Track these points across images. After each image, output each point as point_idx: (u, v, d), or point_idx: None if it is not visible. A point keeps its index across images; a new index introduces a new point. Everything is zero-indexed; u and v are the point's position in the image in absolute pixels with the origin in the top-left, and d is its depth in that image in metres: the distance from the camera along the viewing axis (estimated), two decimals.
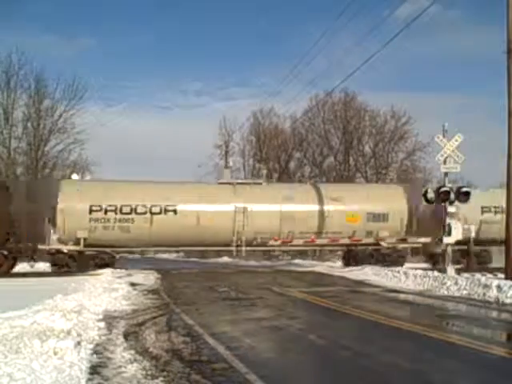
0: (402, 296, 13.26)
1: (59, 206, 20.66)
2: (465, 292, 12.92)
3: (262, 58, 71.02)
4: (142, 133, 57.71)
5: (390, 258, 22.16)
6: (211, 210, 21.79)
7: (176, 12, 73.30)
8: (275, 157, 44.24)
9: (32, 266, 22.40)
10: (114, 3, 71.68)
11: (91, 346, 6.71)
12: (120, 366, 5.92)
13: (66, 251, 20.77)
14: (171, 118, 70.09)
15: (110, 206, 21.13)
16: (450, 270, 15.89)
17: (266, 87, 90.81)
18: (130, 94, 74.68)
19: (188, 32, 73.37)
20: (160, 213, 21.40)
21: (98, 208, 21.06)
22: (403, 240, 23.03)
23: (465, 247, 21.63)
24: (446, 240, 16.54)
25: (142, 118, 66.37)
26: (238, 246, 22.02)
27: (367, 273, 18.68)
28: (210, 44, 73.51)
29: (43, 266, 22.16)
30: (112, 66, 71.61)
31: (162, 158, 52.45)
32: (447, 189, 16.45)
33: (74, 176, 24.98)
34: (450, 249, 16.66)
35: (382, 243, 22.30)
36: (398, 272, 16.77)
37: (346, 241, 22.63)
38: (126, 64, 72.97)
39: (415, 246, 23.66)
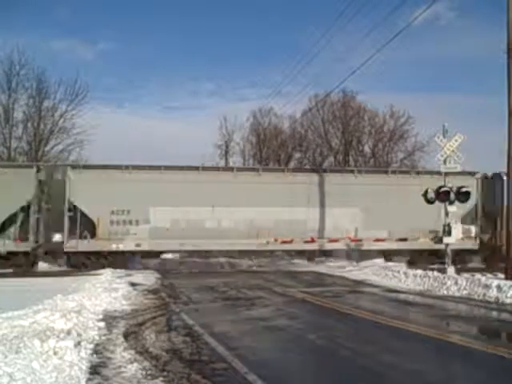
0: (402, 296, 13.26)
1: None
2: (465, 292, 12.93)
3: (273, 58, 70.78)
4: (148, 133, 57.68)
5: None
6: None
7: (184, 14, 73.07)
8: (275, 157, 44.24)
9: None
10: (126, 5, 71.42)
11: (91, 346, 6.72)
12: (120, 366, 5.93)
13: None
14: (179, 118, 70.00)
15: None
16: (450, 270, 15.88)
17: (276, 87, 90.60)
18: (142, 95, 74.41)
19: (196, 33, 73.16)
20: None
21: None
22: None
23: None
24: (446, 240, 16.52)
25: (152, 118, 66.22)
26: None
27: (367, 273, 18.67)
28: (222, 45, 73.19)
29: (42, 265, 22.10)
30: (124, 67, 71.41)
31: (163, 157, 52.26)
32: (447, 189, 16.44)
33: None
34: (449, 249, 16.65)
35: None
36: (398, 272, 16.76)
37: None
38: (138, 65, 72.81)
39: None
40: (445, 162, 16.51)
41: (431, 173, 23.30)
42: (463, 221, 22.37)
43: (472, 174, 23.81)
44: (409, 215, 21.36)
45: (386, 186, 22.52)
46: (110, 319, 9.04)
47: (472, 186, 22.31)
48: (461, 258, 21.77)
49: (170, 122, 65.19)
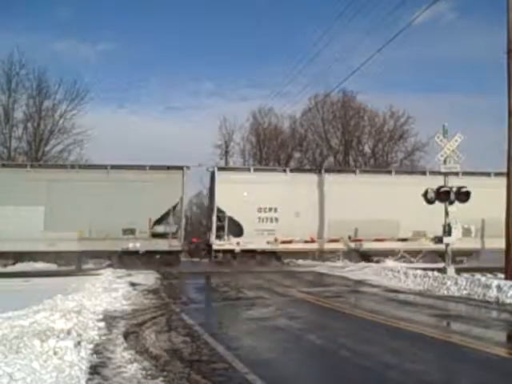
0: (402, 296, 13.25)
1: None
2: (465, 292, 12.92)
3: (273, 58, 70.91)
4: (148, 133, 57.72)
5: None
6: None
7: (183, 14, 73.13)
8: (275, 157, 44.23)
9: None
10: (126, 5, 71.49)
11: (91, 346, 6.72)
12: (120, 366, 5.93)
13: None
14: (179, 118, 70.09)
15: None
16: (450, 270, 15.88)
17: (278, 87, 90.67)
18: (142, 95, 74.50)
19: (196, 33, 73.29)
20: None
21: None
22: None
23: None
24: (446, 240, 16.52)
25: (152, 118, 66.23)
26: None
27: (367, 273, 18.67)
28: (222, 45, 73.33)
29: (42, 265, 22.08)
30: (124, 67, 71.53)
31: (163, 157, 52.34)
32: (447, 189, 16.44)
33: None
34: (449, 249, 16.64)
35: None
36: (398, 272, 16.76)
37: None
38: (138, 65, 72.95)
39: None
40: (445, 161, 16.51)
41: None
42: (162, 220, 21.92)
43: (180, 168, 22.59)
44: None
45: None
46: (109, 319, 9.04)
47: (177, 181, 21.69)
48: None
49: (170, 122, 65.30)
